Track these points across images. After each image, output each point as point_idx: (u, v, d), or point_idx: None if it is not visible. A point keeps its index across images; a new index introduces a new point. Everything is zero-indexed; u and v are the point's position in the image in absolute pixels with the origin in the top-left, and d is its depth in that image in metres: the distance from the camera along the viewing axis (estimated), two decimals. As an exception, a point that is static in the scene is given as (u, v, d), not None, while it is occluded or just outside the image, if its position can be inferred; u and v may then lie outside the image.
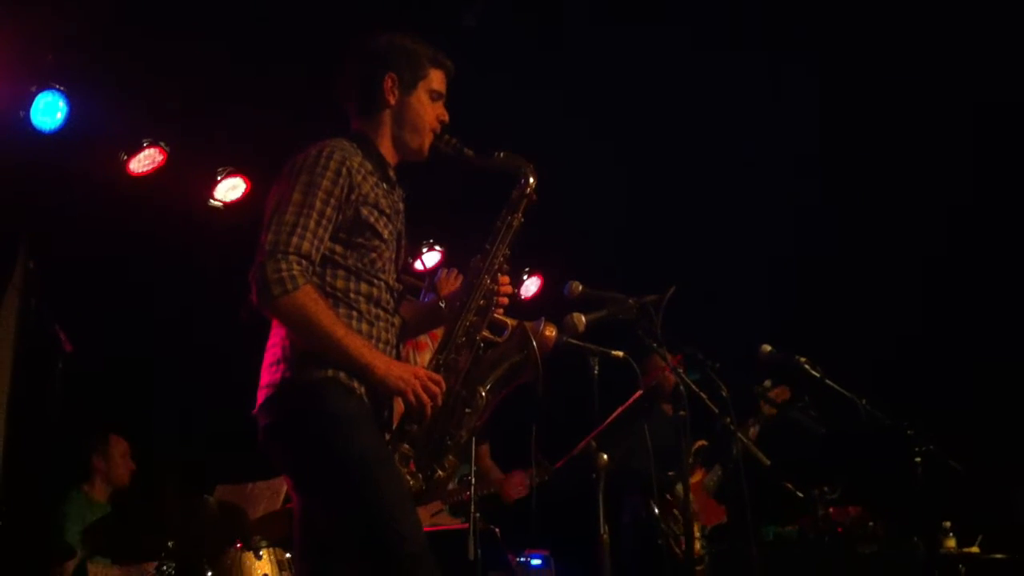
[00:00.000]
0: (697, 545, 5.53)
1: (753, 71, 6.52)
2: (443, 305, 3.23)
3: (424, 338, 4.52)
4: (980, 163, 6.74)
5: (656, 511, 5.61)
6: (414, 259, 5.85)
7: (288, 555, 4.82)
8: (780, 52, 6.38)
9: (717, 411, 4.08)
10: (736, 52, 6.37)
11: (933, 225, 6.91)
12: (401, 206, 3.15)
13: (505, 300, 3.17)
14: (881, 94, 6.60)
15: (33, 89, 5.48)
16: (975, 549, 5.36)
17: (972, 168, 6.75)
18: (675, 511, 5.67)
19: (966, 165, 6.73)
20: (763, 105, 6.76)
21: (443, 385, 2.97)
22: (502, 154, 3.23)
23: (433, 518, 5.11)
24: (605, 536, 3.92)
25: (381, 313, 3.02)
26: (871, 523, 5.39)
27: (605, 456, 4.04)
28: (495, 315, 3.15)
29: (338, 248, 2.96)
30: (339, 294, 2.95)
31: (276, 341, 2.97)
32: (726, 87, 6.59)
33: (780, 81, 6.56)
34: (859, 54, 6.36)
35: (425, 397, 2.91)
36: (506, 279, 3.18)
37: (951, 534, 5.38)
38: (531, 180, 3.21)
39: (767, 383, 5.79)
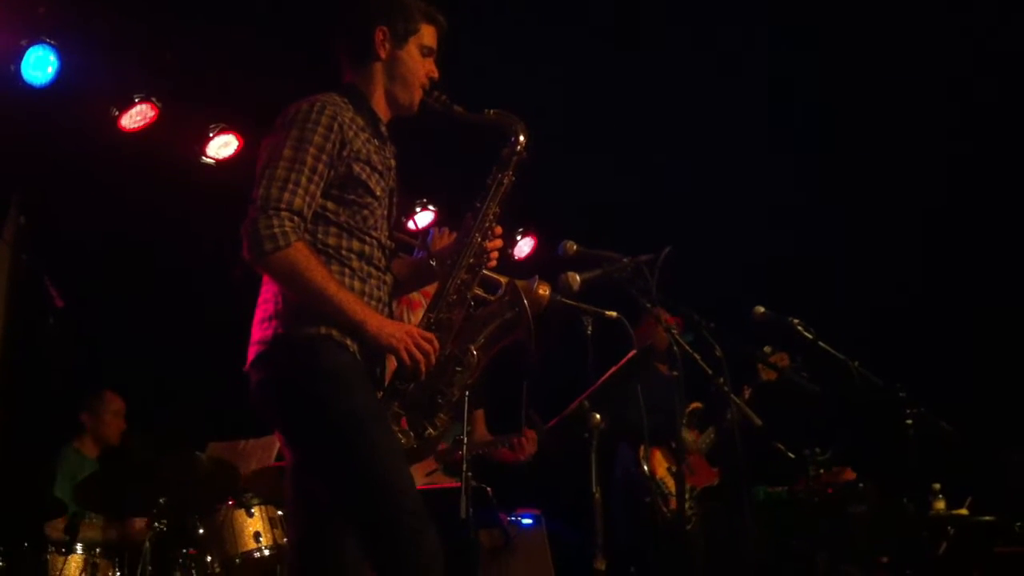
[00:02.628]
0: (686, 505, 5.54)
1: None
2: (434, 263, 3.22)
3: (417, 296, 4.49)
4: (979, 155, 6.74)
5: (646, 468, 5.63)
6: (407, 219, 5.81)
7: (280, 512, 4.84)
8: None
9: (711, 372, 4.07)
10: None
11: (932, 183, 6.91)
12: (393, 162, 3.12)
13: (496, 254, 3.15)
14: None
15: (24, 43, 5.41)
16: (964, 511, 5.38)
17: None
18: (667, 468, 5.68)
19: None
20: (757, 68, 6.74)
21: (436, 343, 2.95)
22: (493, 112, 3.21)
23: (428, 477, 5.11)
24: (597, 495, 3.93)
25: (373, 271, 3.00)
26: (861, 484, 5.41)
27: (598, 416, 4.04)
28: (488, 273, 3.13)
29: (330, 205, 2.93)
30: (331, 251, 2.92)
31: (268, 297, 2.95)
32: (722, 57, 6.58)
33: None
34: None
35: (419, 355, 2.89)
36: (499, 229, 3.16)
37: (941, 496, 5.40)
38: (522, 138, 3.18)
39: (767, 349, 5.74)
